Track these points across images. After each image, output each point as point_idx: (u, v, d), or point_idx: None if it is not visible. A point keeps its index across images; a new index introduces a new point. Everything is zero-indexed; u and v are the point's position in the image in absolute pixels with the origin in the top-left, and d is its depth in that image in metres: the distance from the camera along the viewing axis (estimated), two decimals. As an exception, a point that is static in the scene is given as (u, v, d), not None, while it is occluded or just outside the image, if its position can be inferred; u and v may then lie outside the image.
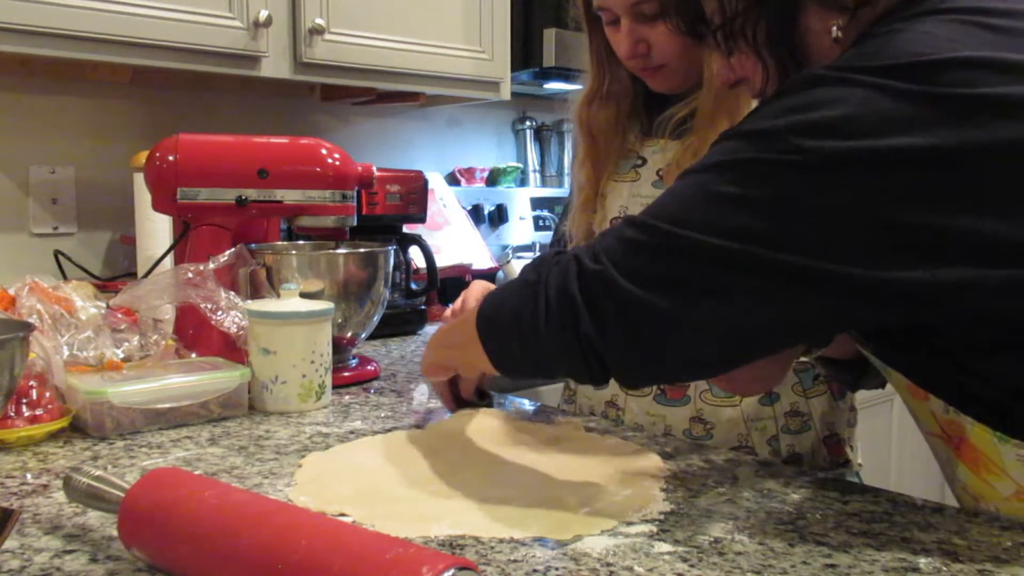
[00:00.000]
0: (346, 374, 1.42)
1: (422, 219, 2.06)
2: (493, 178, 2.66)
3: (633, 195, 1.24)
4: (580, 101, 1.29)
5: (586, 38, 1.26)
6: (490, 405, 1.25)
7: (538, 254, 2.41)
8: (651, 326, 0.76)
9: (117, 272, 1.88)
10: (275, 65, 1.75)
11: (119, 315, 1.27)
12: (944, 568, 0.73)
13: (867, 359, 1.04)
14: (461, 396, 1.20)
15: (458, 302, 1.28)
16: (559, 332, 0.80)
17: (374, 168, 1.50)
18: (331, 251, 1.44)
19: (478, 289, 1.27)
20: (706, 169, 0.77)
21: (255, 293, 1.38)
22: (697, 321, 0.75)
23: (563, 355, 0.81)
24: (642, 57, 1.17)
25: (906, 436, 2.76)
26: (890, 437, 2.73)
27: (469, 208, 2.48)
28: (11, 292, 1.22)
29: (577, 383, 1.18)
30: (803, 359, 1.18)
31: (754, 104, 1.15)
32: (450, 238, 2.28)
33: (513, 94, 2.23)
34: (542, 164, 2.82)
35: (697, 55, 1.14)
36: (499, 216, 2.57)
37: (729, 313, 0.74)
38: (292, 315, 1.24)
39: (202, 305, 1.28)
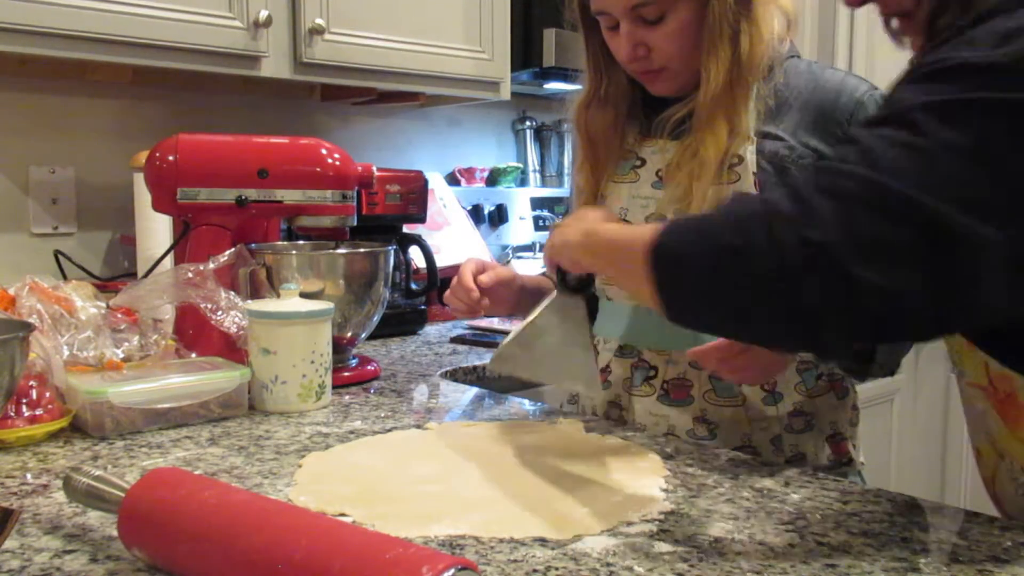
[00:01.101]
0: (346, 374, 1.42)
1: (422, 219, 2.06)
2: (493, 178, 2.66)
3: (632, 196, 1.23)
4: (578, 104, 1.28)
5: (582, 41, 1.25)
6: (592, 292, 1.16)
7: (537, 255, 2.41)
8: (879, 303, 0.65)
9: (117, 272, 1.88)
10: (275, 65, 1.75)
11: (119, 315, 1.27)
12: (944, 568, 0.73)
13: (875, 348, 1.01)
14: (566, 277, 1.11)
15: (455, 279, 1.27)
16: (781, 291, 0.68)
17: (374, 168, 1.50)
18: (331, 251, 1.44)
19: (472, 264, 1.27)
20: (914, 113, 0.64)
21: (255, 293, 1.38)
22: (933, 295, 0.65)
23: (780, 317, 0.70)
24: (642, 60, 1.16)
25: (906, 436, 2.76)
26: (890, 437, 2.73)
27: (469, 208, 2.48)
28: (11, 292, 1.22)
29: (760, 342, 0.97)
30: (806, 358, 1.18)
31: (752, 105, 1.14)
32: (450, 238, 2.28)
33: (513, 94, 2.23)
34: (542, 164, 2.81)
35: (696, 57, 1.14)
36: (499, 216, 2.57)
37: (958, 282, 0.65)
38: (292, 315, 1.24)
39: (202, 305, 1.28)
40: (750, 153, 1.13)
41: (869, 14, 3.09)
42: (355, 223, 1.50)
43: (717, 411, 1.18)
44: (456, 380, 1.56)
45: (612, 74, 1.24)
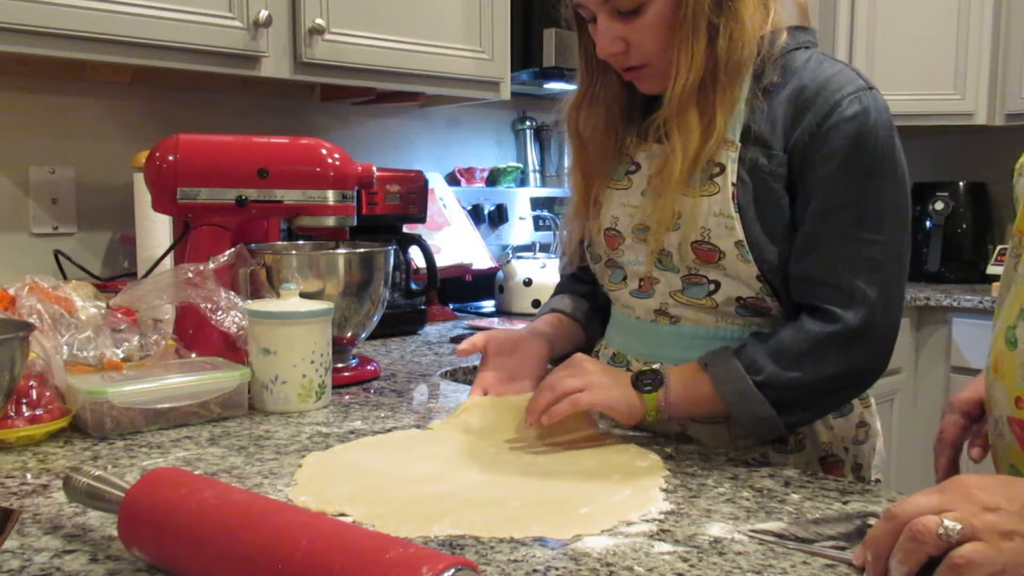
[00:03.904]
0: (346, 374, 1.42)
1: (422, 219, 2.06)
2: (493, 178, 2.66)
3: (622, 204, 1.16)
4: (570, 105, 1.21)
5: (575, 39, 1.18)
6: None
7: (537, 255, 2.40)
8: None
9: (117, 272, 1.88)
10: (275, 65, 1.75)
11: (119, 315, 1.27)
12: (944, 568, 0.73)
13: None
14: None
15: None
16: None
17: (374, 168, 1.50)
18: (331, 251, 1.44)
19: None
20: None
21: (255, 293, 1.38)
22: None
23: None
24: (621, 55, 1.09)
25: (906, 436, 2.76)
26: (890, 437, 2.73)
27: (469, 208, 2.48)
28: (11, 292, 1.22)
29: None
30: None
31: (740, 107, 1.05)
32: (450, 238, 2.28)
33: (513, 94, 2.23)
34: (542, 164, 2.82)
35: None
36: (499, 216, 2.57)
37: None
38: (292, 315, 1.24)
39: (202, 305, 1.28)
40: (731, 162, 1.05)
41: (870, 10, 3.07)
42: (355, 223, 1.50)
43: (698, 428, 1.14)
44: (456, 380, 1.56)
45: (603, 73, 1.17)
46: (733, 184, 1.05)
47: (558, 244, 1.35)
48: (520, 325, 1.98)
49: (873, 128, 1.02)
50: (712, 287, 1.10)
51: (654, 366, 1.07)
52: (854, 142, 1.02)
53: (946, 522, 0.64)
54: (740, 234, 1.05)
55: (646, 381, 1.05)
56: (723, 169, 1.06)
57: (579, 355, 1.12)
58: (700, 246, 1.07)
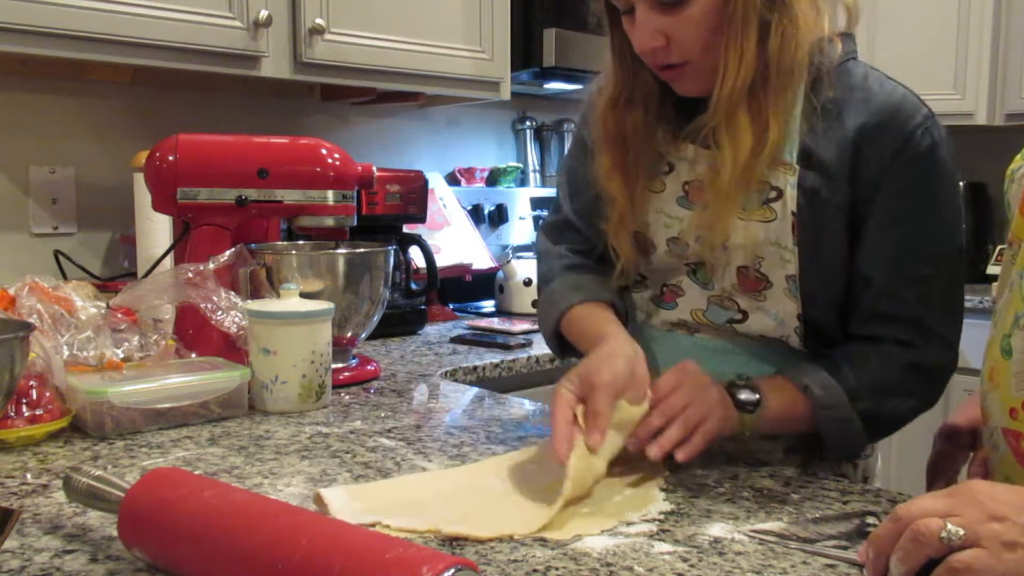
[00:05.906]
0: (346, 374, 1.42)
1: (422, 219, 2.06)
2: (493, 178, 2.66)
3: (656, 211, 1.08)
4: (603, 105, 1.10)
5: (608, 34, 1.09)
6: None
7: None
8: None
9: (117, 272, 1.88)
10: (275, 65, 1.75)
11: (119, 315, 1.27)
12: (944, 568, 0.73)
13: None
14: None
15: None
16: None
17: (374, 168, 1.50)
18: (331, 251, 1.44)
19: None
20: None
21: (255, 293, 1.38)
22: None
23: None
24: (660, 51, 0.99)
25: (906, 436, 2.75)
26: (890, 437, 2.72)
27: (469, 208, 2.48)
28: (11, 292, 1.22)
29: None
30: None
31: (794, 124, 0.96)
32: (450, 238, 2.28)
33: (513, 94, 2.23)
34: (542, 164, 2.81)
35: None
36: (499, 216, 2.57)
37: None
38: (292, 315, 1.24)
39: (202, 305, 1.28)
40: (790, 187, 0.98)
41: (870, 10, 3.05)
42: (355, 223, 1.50)
43: None
44: (456, 380, 1.56)
45: (639, 70, 1.07)
46: (793, 213, 0.98)
47: (613, 257, 1.15)
48: (521, 325, 1.98)
49: (943, 162, 1.00)
50: (740, 316, 1.04)
51: (747, 380, 1.00)
52: (928, 178, 0.99)
53: (949, 526, 0.65)
54: (794, 268, 0.99)
55: (746, 402, 0.97)
56: (781, 194, 0.99)
57: (691, 364, 0.98)
58: (747, 273, 1.01)
